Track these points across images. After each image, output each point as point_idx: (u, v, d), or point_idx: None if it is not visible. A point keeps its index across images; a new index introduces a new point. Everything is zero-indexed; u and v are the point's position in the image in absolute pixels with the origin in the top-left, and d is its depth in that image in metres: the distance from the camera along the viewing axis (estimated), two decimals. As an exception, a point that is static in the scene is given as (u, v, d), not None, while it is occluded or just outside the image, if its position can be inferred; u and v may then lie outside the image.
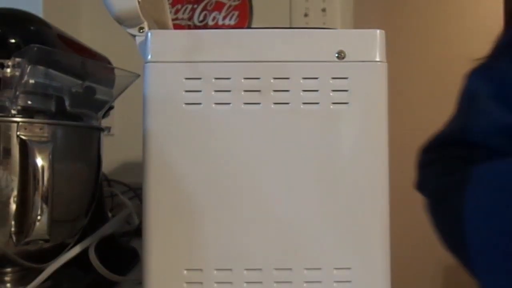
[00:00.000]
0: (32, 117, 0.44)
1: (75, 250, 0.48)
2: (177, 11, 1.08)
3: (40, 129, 0.43)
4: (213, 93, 0.39)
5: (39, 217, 0.40)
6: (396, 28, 1.66)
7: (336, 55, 0.40)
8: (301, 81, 0.39)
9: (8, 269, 0.45)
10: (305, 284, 0.39)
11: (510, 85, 0.50)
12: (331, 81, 0.39)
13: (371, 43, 0.40)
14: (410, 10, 1.72)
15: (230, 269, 0.39)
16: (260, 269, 0.39)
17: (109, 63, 0.64)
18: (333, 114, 0.39)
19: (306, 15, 1.04)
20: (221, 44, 0.40)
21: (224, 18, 1.07)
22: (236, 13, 1.07)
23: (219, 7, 1.07)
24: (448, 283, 1.67)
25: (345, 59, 0.39)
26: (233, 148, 0.39)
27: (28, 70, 0.43)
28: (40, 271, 0.45)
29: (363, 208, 0.39)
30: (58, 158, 0.43)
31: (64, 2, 1.05)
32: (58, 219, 0.44)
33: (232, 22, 1.07)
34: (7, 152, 0.41)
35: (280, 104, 0.39)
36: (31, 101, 0.44)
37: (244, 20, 1.07)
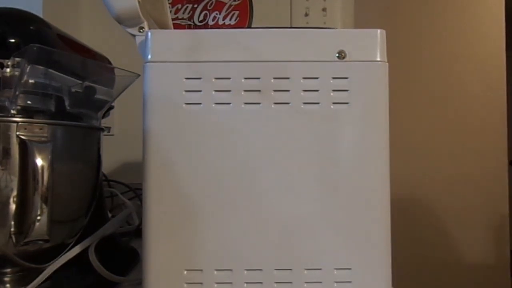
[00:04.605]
0: (32, 117, 0.44)
1: (75, 250, 0.48)
2: (177, 11, 1.08)
3: (40, 129, 0.43)
4: (213, 93, 0.39)
5: (38, 217, 0.40)
6: (396, 28, 1.66)
7: (337, 55, 0.39)
8: (302, 81, 0.39)
9: (8, 270, 0.45)
10: (305, 284, 0.39)
11: None
12: (331, 81, 0.39)
13: (372, 43, 0.40)
14: (410, 10, 1.72)
15: (230, 269, 0.39)
16: (260, 269, 0.39)
17: (109, 63, 0.64)
18: (334, 114, 0.39)
19: (306, 14, 1.04)
20: (221, 44, 0.40)
21: (224, 18, 1.07)
22: (236, 13, 1.07)
23: (219, 7, 1.07)
24: (448, 283, 1.67)
25: (345, 59, 0.39)
26: (233, 148, 0.39)
27: (28, 70, 0.43)
28: (40, 271, 0.45)
29: (364, 208, 0.39)
30: (58, 158, 0.43)
31: (64, 2, 1.05)
32: (58, 219, 0.44)
33: (232, 22, 1.07)
34: (7, 152, 0.41)
35: (280, 104, 0.39)
36: (31, 101, 0.44)
37: (244, 20, 1.07)
